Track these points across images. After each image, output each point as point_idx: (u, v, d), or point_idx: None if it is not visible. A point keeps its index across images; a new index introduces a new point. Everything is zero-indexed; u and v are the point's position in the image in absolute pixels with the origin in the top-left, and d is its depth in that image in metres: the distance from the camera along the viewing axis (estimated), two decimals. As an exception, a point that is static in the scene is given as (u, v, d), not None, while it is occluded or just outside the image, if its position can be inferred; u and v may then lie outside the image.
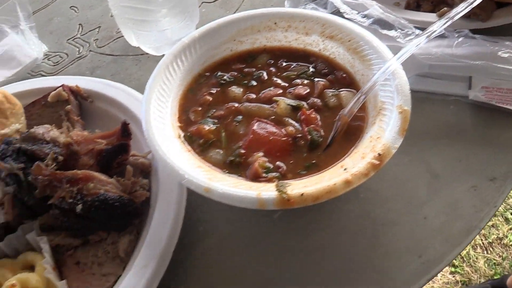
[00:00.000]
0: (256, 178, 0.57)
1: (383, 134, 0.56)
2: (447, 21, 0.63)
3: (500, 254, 1.93)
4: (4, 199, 0.60)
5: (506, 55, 0.69)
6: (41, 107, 0.75)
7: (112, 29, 0.95)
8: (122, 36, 0.90)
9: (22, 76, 0.87)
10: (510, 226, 1.99)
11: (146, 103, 0.63)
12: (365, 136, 0.59)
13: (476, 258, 1.92)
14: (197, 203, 0.63)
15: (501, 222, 1.99)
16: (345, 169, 0.54)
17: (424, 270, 0.56)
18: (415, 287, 0.56)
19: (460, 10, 0.64)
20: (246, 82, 0.69)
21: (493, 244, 1.96)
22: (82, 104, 0.77)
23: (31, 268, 0.58)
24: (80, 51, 0.92)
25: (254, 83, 0.69)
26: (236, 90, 0.68)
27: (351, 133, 0.61)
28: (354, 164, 0.54)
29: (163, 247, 0.56)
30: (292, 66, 0.71)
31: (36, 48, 0.89)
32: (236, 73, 0.71)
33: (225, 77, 0.70)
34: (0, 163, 0.59)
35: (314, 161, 0.59)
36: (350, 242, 0.60)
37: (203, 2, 0.97)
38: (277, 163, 0.59)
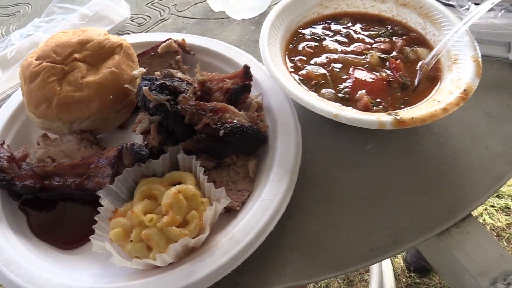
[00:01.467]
0: (366, 110, 0.71)
1: (463, 77, 0.72)
2: (503, -7, 0.80)
3: None
4: (151, 127, 0.70)
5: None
6: (150, 57, 0.85)
7: (188, -4, 1.06)
8: (200, 2, 1.01)
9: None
10: (485, 207, 2.25)
11: (264, 52, 0.75)
12: (445, 80, 0.74)
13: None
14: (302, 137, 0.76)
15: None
16: (438, 101, 0.69)
17: (491, 184, 0.72)
18: (483, 199, 0.71)
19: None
20: (337, 38, 0.83)
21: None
22: (184, 57, 0.87)
23: (175, 185, 0.69)
24: (162, 14, 1.01)
25: (344, 39, 0.83)
26: (330, 44, 0.82)
27: (431, 79, 0.77)
28: (444, 98, 0.69)
29: (292, 164, 0.69)
30: (371, 28, 0.85)
31: (125, 8, 0.97)
32: (326, 31, 0.84)
33: (318, 34, 0.83)
34: (150, 94, 0.68)
35: (407, 98, 0.73)
36: (430, 166, 0.75)
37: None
38: (377, 99, 0.73)
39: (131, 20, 1.01)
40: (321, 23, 0.86)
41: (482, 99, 0.83)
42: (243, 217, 0.65)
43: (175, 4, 1.04)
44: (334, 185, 0.73)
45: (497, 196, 2.35)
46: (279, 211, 0.65)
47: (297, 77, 0.76)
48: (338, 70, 0.77)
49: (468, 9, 0.87)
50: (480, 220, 2.24)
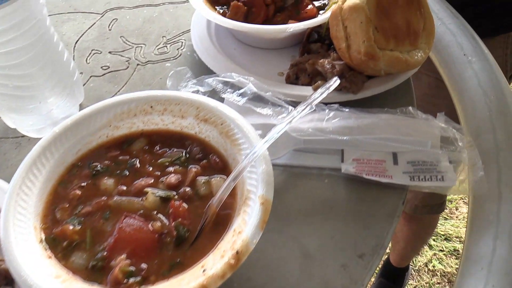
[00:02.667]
0: (116, 285, 0.55)
1: (244, 228, 0.57)
2: (305, 107, 0.66)
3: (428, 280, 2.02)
4: None
5: (370, 128, 0.74)
6: None
7: (-7, 108, 0.91)
8: (5, 115, 0.87)
9: None
10: (433, 252, 2.10)
11: (7, 205, 0.60)
12: (230, 229, 0.59)
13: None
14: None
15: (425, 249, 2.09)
16: (204, 270, 0.54)
17: None
18: None
19: (318, 95, 0.67)
20: (119, 172, 0.68)
21: (420, 271, 2.06)
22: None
23: None
24: (-45, 135, 0.87)
25: (127, 172, 0.68)
26: (107, 181, 0.67)
27: (220, 223, 0.61)
28: (213, 263, 0.54)
29: None
30: (167, 152, 0.71)
31: None
32: (109, 162, 0.69)
33: (98, 167, 0.69)
34: None
35: (178, 260, 0.58)
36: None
37: (91, 76, 0.95)
38: (141, 265, 0.57)
39: None
40: (110, 149, 0.72)
41: (301, 232, 0.68)
42: None
43: (-25, 120, 0.89)
44: None
45: (446, 239, 2.21)
46: None
47: (45, 238, 0.60)
48: (106, 220, 0.62)
49: (284, 116, 0.73)
50: (430, 267, 2.08)
